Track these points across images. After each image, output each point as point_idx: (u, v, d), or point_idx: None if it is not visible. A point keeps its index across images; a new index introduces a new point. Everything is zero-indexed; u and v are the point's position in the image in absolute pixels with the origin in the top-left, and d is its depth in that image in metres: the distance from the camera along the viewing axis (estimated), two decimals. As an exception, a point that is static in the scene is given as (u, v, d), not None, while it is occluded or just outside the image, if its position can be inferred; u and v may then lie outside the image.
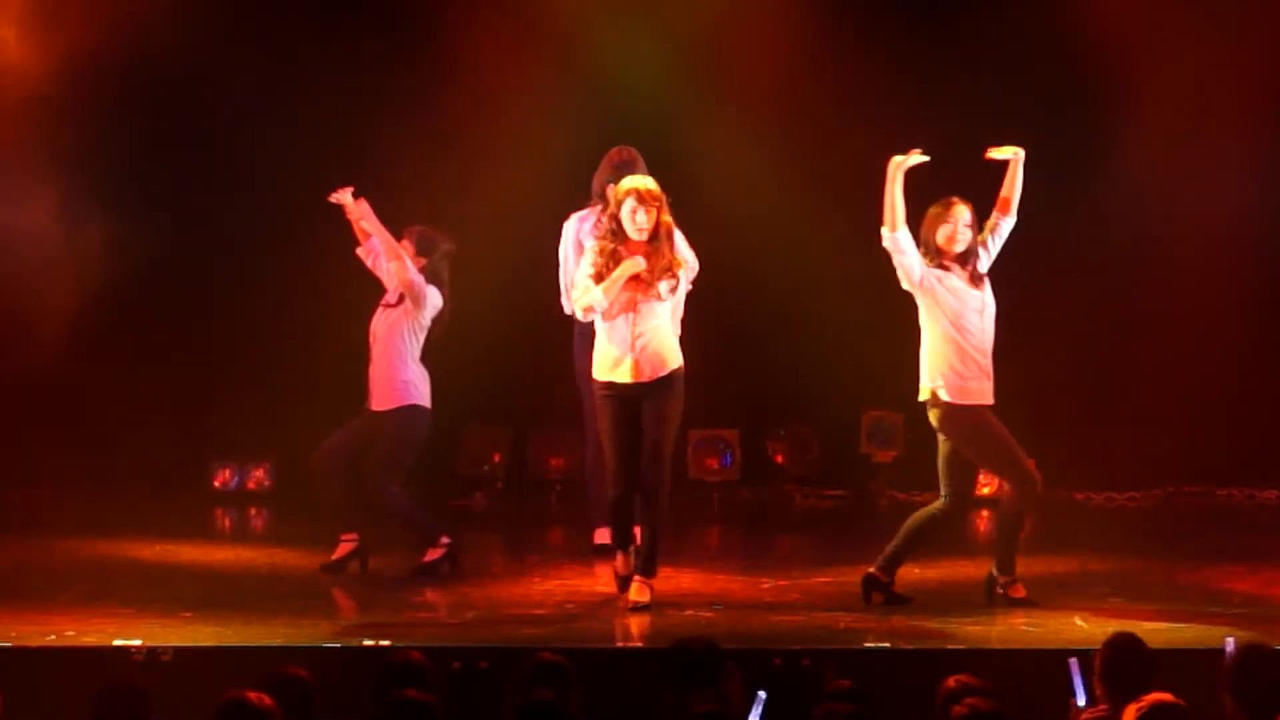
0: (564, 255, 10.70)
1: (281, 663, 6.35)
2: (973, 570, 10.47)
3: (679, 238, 9.33)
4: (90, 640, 8.19)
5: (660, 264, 9.13)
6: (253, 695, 5.64)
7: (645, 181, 9.30)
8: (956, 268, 9.33)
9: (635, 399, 9.10)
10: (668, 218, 9.18)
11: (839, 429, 13.25)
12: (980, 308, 9.33)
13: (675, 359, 9.18)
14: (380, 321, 10.24)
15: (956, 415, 9.34)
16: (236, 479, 13.08)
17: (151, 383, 12.59)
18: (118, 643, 8.06)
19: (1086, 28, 12.60)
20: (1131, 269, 12.27)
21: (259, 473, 13.12)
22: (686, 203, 11.86)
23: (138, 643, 8.01)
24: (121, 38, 12.33)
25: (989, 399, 9.35)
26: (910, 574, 10.29)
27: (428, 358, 10.22)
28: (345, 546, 10.11)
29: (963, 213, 9.34)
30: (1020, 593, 9.40)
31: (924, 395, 9.46)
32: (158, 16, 12.32)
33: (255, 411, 12.36)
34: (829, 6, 12.96)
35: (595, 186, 10.61)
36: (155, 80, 12.72)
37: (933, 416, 9.43)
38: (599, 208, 10.60)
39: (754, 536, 12.26)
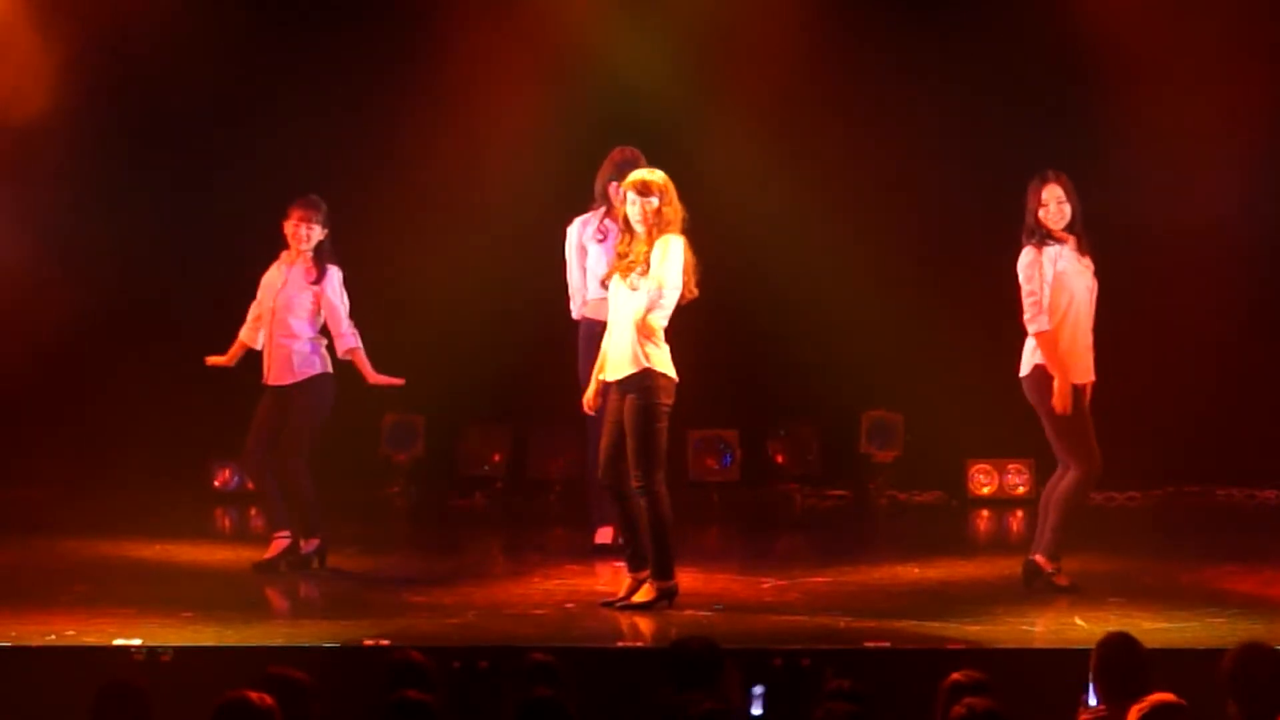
0: (568, 259, 10.68)
1: (281, 663, 6.34)
2: (973, 570, 10.48)
3: (668, 256, 9.00)
4: (90, 640, 8.18)
5: (629, 252, 9.08)
6: (253, 695, 5.64)
7: (637, 172, 9.28)
8: (1071, 240, 9.52)
9: (611, 395, 9.15)
10: (645, 208, 9.01)
11: (839, 429, 13.25)
12: (1089, 283, 9.55)
13: (636, 362, 9.01)
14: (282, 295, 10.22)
15: (1047, 383, 9.42)
16: (236, 479, 13.07)
17: (152, 383, 12.59)
18: (118, 643, 8.06)
19: (1088, 28, 12.60)
20: (1131, 269, 12.25)
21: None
22: (688, 202, 11.90)
23: (138, 643, 8.00)
24: (118, 39, 12.36)
25: (1090, 376, 9.52)
26: (910, 574, 10.31)
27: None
28: (279, 544, 10.12)
29: (1055, 190, 9.52)
30: (1064, 581, 9.47)
31: (1025, 369, 9.53)
32: (154, 16, 12.33)
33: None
34: (833, 6, 12.95)
35: (597, 187, 10.59)
36: (156, 80, 12.72)
37: (1029, 387, 9.52)
38: (602, 210, 10.59)
39: (754, 536, 12.26)
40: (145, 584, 9.73)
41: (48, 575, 9.93)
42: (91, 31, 12.25)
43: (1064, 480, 9.54)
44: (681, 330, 11.00)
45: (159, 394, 12.55)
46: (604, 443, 9.15)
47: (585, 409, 9.38)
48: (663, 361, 9.02)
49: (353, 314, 10.30)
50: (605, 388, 9.16)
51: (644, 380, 8.97)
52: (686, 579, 9.56)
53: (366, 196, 12.95)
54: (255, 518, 12.62)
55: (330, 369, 10.23)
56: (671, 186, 9.12)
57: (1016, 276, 9.62)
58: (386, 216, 12.89)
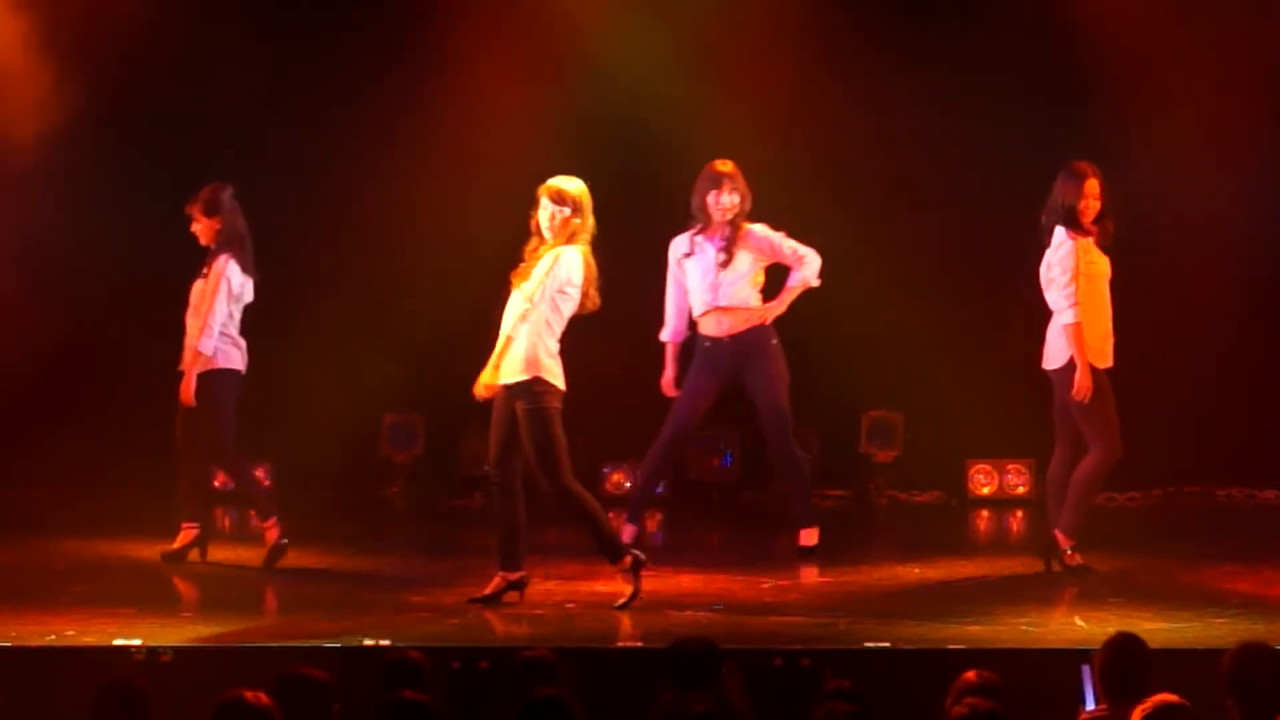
0: (668, 278, 10.78)
1: (281, 663, 6.33)
2: (973, 570, 10.48)
3: (551, 268, 9.11)
4: (90, 640, 8.19)
5: (530, 259, 9.17)
6: (249, 694, 5.63)
7: (556, 180, 9.30)
8: (1095, 233, 9.83)
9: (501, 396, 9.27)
10: (555, 216, 9.13)
11: (839, 429, 13.24)
12: (1108, 273, 9.89)
13: (524, 370, 9.11)
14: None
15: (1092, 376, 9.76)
16: (237, 479, 13.05)
17: (151, 383, 12.58)
18: (118, 643, 8.06)
19: (1092, 25, 12.60)
20: (1131, 268, 12.28)
21: (259, 473, 13.08)
22: (687, 200, 11.89)
23: (138, 643, 8.01)
24: (120, 43, 12.38)
25: (1109, 361, 9.89)
26: (910, 574, 10.31)
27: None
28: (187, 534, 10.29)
29: (1094, 185, 9.83)
30: (1076, 560, 9.79)
31: (1059, 361, 9.79)
32: (153, 18, 12.35)
33: (255, 411, 12.34)
34: (835, 4, 12.95)
35: (694, 204, 10.67)
36: (157, 81, 12.73)
37: (1065, 378, 9.80)
38: (698, 225, 10.63)
39: (754, 536, 12.25)
40: (145, 584, 9.73)
41: (48, 575, 9.93)
42: (93, 34, 12.25)
43: (1086, 461, 9.83)
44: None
45: (158, 394, 12.54)
46: (492, 439, 9.34)
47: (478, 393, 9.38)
48: (552, 371, 9.13)
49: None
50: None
51: (532, 387, 9.08)
52: (687, 579, 9.57)
53: (366, 196, 12.96)
54: (254, 517, 12.62)
55: (228, 364, 10.29)
56: (587, 199, 9.20)
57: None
58: (387, 216, 12.88)
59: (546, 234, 9.16)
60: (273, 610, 9.27)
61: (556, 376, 9.12)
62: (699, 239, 10.63)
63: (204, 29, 12.64)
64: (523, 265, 9.20)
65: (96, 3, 12.26)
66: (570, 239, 9.13)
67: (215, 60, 12.64)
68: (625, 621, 8.88)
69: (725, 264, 10.54)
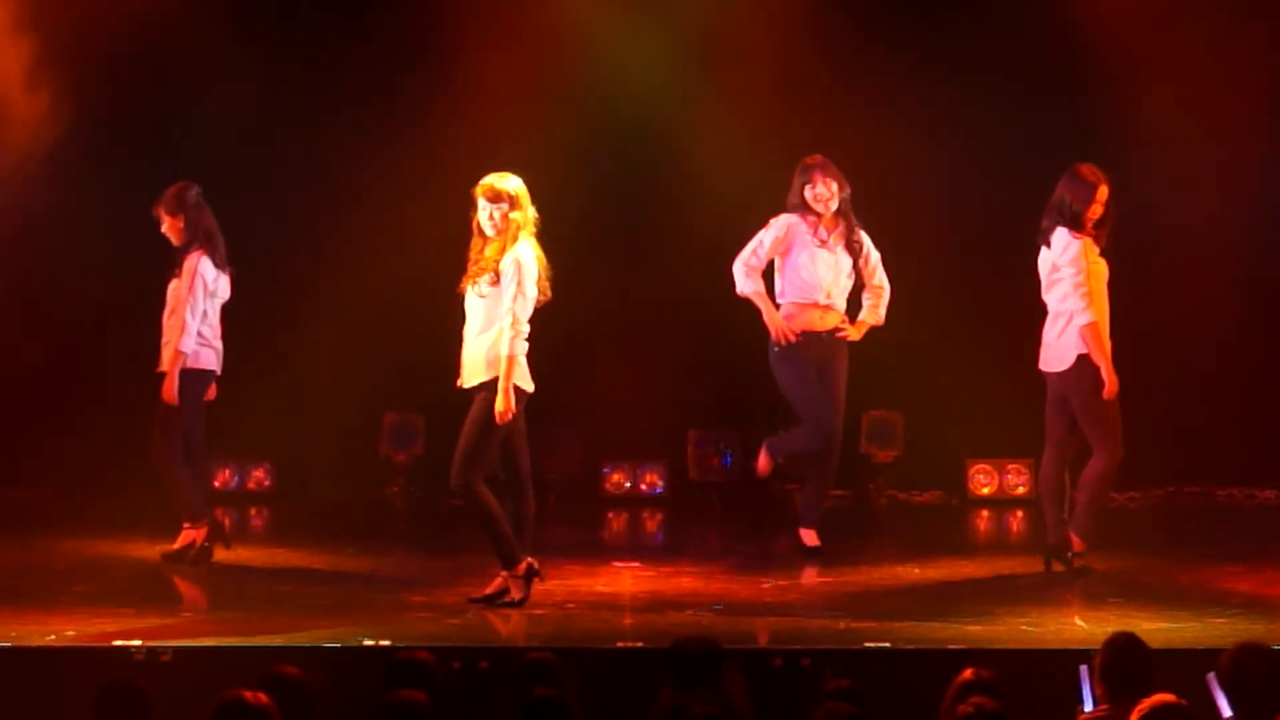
0: (761, 239, 10.65)
1: (282, 663, 6.34)
2: (973, 570, 10.48)
3: (519, 275, 9.02)
4: (90, 640, 8.19)
5: (480, 259, 9.10)
6: (248, 694, 5.65)
7: (489, 178, 9.26)
8: (1093, 236, 9.90)
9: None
10: (495, 215, 9.08)
11: (839, 429, 13.23)
12: (1106, 276, 9.95)
13: (487, 370, 9.07)
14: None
15: (1095, 375, 9.78)
16: (236, 479, 13.08)
17: (150, 383, 12.58)
18: (118, 643, 8.07)
19: (1090, 23, 12.61)
20: (1131, 268, 12.30)
21: (259, 473, 13.13)
22: (688, 200, 11.89)
23: (138, 643, 8.01)
24: (123, 40, 12.39)
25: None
26: (910, 574, 10.32)
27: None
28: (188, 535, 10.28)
29: (1105, 192, 9.90)
30: (1079, 564, 9.88)
31: (1068, 362, 9.84)
32: (157, 14, 12.37)
33: (255, 411, 12.36)
34: (835, 4, 12.95)
35: (792, 198, 10.65)
36: (157, 84, 12.74)
37: (1072, 378, 9.83)
38: (814, 217, 10.60)
39: (754, 536, 12.25)
40: (145, 584, 9.74)
41: (48, 575, 9.93)
42: (92, 35, 12.27)
43: (1093, 465, 9.87)
44: (682, 330, 11.01)
45: (158, 395, 12.54)
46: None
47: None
48: (518, 373, 9.08)
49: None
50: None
51: (496, 387, 9.01)
52: (687, 579, 9.55)
53: (367, 195, 12.96)
54: (255, 517, 12.63)
55: (198, 365, 10.29)
56: (523, 192, 9.18)
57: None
58: (388, 215, 12.88)
59: (489, 232, 9.13)
60: (273, 610, 9.26)
61: (524, 379, 9.11)
62: (818, 226, 10.58)
63: (203, 30, 12.64)
64: (471, 268, 9.15)
65: (95, 11, 12.27)
66: (515, 234, 9.10)
67: (218, 62, 12.64)
68: (625, 621, 8.89)
69: (840, 261, 10.56)
